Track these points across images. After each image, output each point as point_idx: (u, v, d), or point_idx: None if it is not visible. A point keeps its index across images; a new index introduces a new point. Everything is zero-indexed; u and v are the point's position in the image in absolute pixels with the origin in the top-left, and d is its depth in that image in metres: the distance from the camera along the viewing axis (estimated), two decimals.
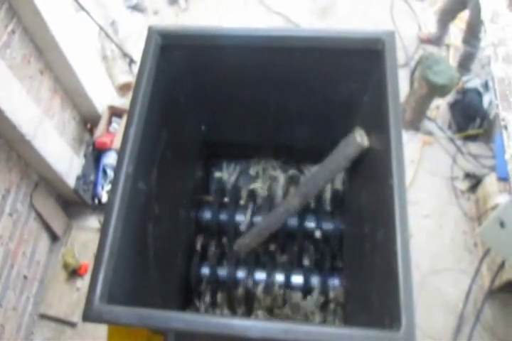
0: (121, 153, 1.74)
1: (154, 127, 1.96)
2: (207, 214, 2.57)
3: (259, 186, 2.77)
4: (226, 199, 2.65)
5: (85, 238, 4.25)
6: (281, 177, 2.79)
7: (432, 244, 4.25)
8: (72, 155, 4.10)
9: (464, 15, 4.98)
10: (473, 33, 4.66)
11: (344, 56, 2.00)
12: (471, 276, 4.06)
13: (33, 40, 3.54)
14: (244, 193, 2.74)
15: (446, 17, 5.09)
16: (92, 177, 4.34)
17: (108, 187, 4.35)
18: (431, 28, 5.55)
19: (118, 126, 4.54)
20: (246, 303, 2.50)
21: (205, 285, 2.53)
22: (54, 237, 4.20)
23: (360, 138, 1.96)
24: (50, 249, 4.19)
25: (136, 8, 5.74)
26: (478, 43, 4.75)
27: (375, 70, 1.91)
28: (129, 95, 1.89)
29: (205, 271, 2.51)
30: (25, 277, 3.77)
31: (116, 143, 4.36)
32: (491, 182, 4.15)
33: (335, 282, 2.43)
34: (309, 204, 2.65)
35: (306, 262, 2.55)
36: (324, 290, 2.44)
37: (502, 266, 3.77)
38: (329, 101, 2.23)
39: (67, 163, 3.98)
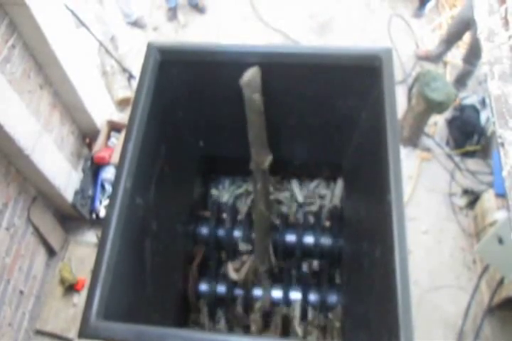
0: (119, 168, 1.74)
1: (153, 142, 1.96)
2: (204, 230, 2.57)
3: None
4: (224, 215, 2.65)
5: (82, 253, 4.22)
6: (279, 192, 2.80)
7: (431, 261, 4.23)
8: (70, 170, 4.09)
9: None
10: (474, 53, 4.70)
11: (342, 73, 2.02)
12: (470, 293, 4.04)
13: (33, 55, 3.56)
14: (242, 209, 2.74)
15: (453, 38, 5.15)
16: (90, 192, 4.33)
17: (106, 201, 4.34)
18: (428, 44, 5.60)
19: (117, 140, 4.55)
20: (244, 320, 2.49)
21: (203, 301, 2.52)
22: (51, 252, 4.17)
23: None
24: (47, 264, 4.16)
25: (136, 24, 5.79)
26: (478, 63, 4.80)
27: (372, 87, 1.92)
28: (128, 110, 1.89)
29: (204, 287, 2.50)
30: (21, 292, 3.73)
31: (115, 157, 4.36)
32: (489, 198, 4.14)
33: (333, 298, 2.42)
34: (308, 221, 2.65)
35: (304, 278, 2.54)
36: (322, 306, 2.42)
37: (501, 282, 3.75)
38: (327, 117, 2.25)
39: (65, 177, 3.97)
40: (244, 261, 2.49)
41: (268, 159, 2.21)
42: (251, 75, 1.96)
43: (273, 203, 2.66)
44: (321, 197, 2.76)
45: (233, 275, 2.46)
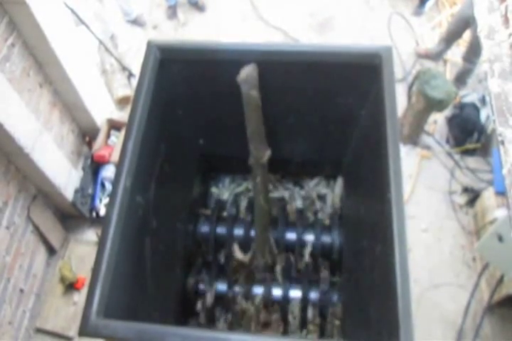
0: (119, 166, 1.74)
1: (152, 141, 1.96)
2: (205, 228, 2.57)
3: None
4: (224, 213, 2.65)
5: (83, 251, 4.22)
6: (279, 191, 2.80)
7: (431, 259, 4.23)
8: (70, 168, 4.09)
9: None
10: (474, 51, 4.71)
11: (342, 71, 2.01)
12: (470, 291, 4.04)
13: (32, 54, 3.55)
14: (242, 207, 2.74)
15: (453, 36, 5.15)
16: (90, 191, 4.33)
17: (106, 200, 4.34)
18: (428, 43, 5.59)
19: (116, 139, 4.55)
20: (244, 317, 2.49)
21: (204, 298, 2.52)
22: (51, 250, 4.18)
23: None
24: (47, 262, 4.16)
25: (135, 22, 5.78)
26: (478, 61, 4.80)
27: (372, 85, 1.92)
28: (128, 108, 1.89)
29: (204, 284, 2.50)
30: (21, 290, 3.74)
31: (115, 156, 4.36)
32: (489, 196, 4.15)
33: (333, 296, 2.42)
34: (308, 219, 2.65)
35: (304, 277, 2.54)
36: (322, 304, 2.43)
37: (501, 280, 3.75)
38: (327, 115, 2.25)
39: (65, 175, 3.98)
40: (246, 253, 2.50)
41: (266, 154, 2.24)
42: (248, 72, 1.97)
43: (272, 199, 2.66)
44: (321, 195, 2.76)
45: (239, 255, 2.46)
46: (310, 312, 2.47)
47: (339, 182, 2.71)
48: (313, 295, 2.43)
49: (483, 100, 4.81)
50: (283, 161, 2.48)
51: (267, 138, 2.22)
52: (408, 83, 4.99)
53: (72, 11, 4.17)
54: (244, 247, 2.52)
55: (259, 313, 2.48)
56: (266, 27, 5.79)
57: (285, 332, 2.47)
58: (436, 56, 5.41)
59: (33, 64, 3.60)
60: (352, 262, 2.29)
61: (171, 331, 1.51)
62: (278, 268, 2.56)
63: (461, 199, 4.56)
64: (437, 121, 5.01)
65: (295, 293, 2.45)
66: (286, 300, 2.45)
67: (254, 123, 2.13)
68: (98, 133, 4.50)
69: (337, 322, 2.42)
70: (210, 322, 2.52)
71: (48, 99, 3.86)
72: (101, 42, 4.86)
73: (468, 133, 4.74)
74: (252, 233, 2.49)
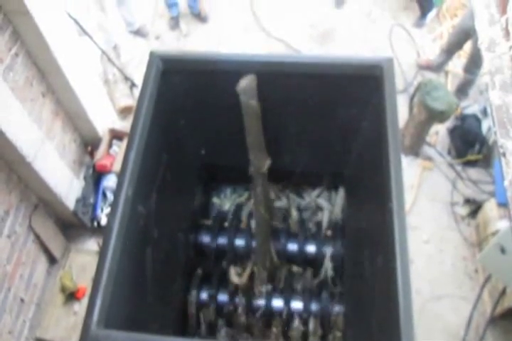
0: (121, 176, 1.75)
1: (154, 150, 1.96)
2: (206, 238, 2.56)
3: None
4: (226, 224, 2.65)
5: (84, 261, 4.21)
6: (281, 201, 2.80)
7: (432, 270, 4.22)
8: (72, 178, 4.09)
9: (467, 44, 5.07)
10: (475, 63, 4.73)
11: (343, 82, 2.02)
12: (472, 303, 4.01)
13: (35, 63, 3.57)
14: (243, 217, 2.74)
15: (454, 48, 5.18)
16: (91, 200, 4.33)
17: (107, 209, 4.34)
18: (429, 54, 5.62)
19: (118, 149, 4.56)
20: (245, 329, 2.48)
21: (205, 309, 2.51)
22: (52, 260, 4.17)
23: None
24: (48, 272, 4.15)
25: (138, 32, 5.82)
26: (479, 72, 4.82)
27: (374, 96, 1.93)
28: (130, 118, 1.91)
29: (205, 295, 2.49)
30: (22, 300, 3.72)
31: (117, 166, 4.37)
32: (491, 207, 4.14)
33: (335, 307, 2.41)
34: (309, 230, 2.65)
35: (305, 288, 2.53)
36: (324, 316, 2.41)
37: (503, 292, 3.73)
38: (328, 126, 2.25)
39: (66, 185, 3.98)
40: (246, 266, 2.49)
41: (267, 163, 2.25)
42: (247, 82, 1.98)
43: (273, 208, 2.66)
44: (323, 206, 2.76)
45: (235, 279, 2.45)
46: (311, 324, 2.45)
47: (341, 192, 2.71)
48: (315, 306, 2.42)
49: (484, 111, 4.81)
50: (284, 172, 2.48)
51: (268, 149, 2.23)
52: (409, 94, 5.01)
53: (75, 21, 4.20)
54: (246, 258, 2.51)
55: (260, 324, 2.46)
56: (267, 38, 5.83)
57: None
58: (438, 67, 5.43)
59: (36, 73, 3.62)
60: (353, 273, 2.28)
61: None
62: (279, 279, 2.55)
63: (463, 210, 4.55)
64: (439, 132, 5.02)
65: (296, 304, 2.44)
66: (287, 311, 2.43)
67: (253, 132, 2.14)
68: (100, 143, 4.51)
69: (338, 334, 2.41)
70: (211, 334, 2.51)
71: (51, 109, 3.88)
72: (103, 52, 4.89)
73: (470, 145, 4.75)
74: (254, 244, 2.49)
